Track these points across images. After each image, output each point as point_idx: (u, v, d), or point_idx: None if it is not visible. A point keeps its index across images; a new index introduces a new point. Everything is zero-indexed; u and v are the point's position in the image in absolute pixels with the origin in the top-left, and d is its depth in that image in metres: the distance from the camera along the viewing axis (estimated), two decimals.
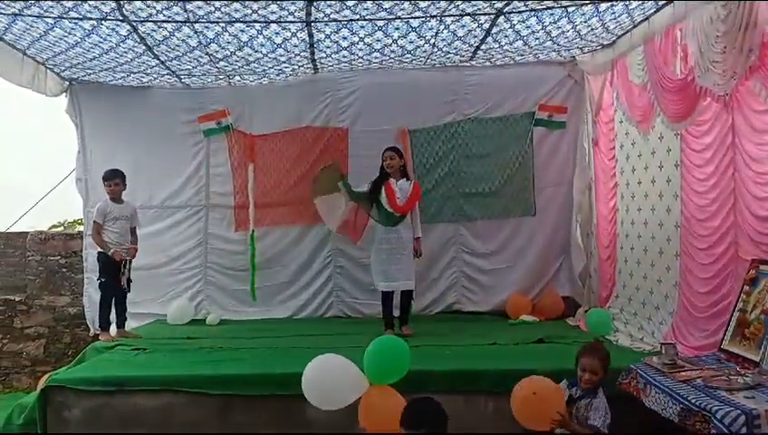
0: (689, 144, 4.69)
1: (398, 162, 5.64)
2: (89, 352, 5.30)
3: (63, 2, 4.28)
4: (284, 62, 5.95)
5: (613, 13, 4.90)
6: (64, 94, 6.55)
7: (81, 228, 7.00)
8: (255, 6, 4.48)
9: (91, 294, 6.45)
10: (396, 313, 5.70)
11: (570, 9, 4.81)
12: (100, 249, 5.62)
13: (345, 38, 5.35)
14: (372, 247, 5.74)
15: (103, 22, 4.70)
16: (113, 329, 5.75)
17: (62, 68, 5.99)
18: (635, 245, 5.60)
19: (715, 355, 3.76)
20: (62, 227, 8.19)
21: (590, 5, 4.73)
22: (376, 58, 5.97)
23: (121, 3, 4.32)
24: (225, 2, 4.36)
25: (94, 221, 5.61)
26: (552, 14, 4.94)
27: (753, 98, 3.81)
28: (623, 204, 5.83)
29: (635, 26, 5.14)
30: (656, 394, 3.37)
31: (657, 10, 4.74)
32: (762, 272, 3.66)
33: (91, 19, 4.64)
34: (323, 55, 5.84)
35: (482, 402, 4.22)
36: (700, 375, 3.34)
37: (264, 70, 6.18)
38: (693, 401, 3.02)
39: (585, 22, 5.11)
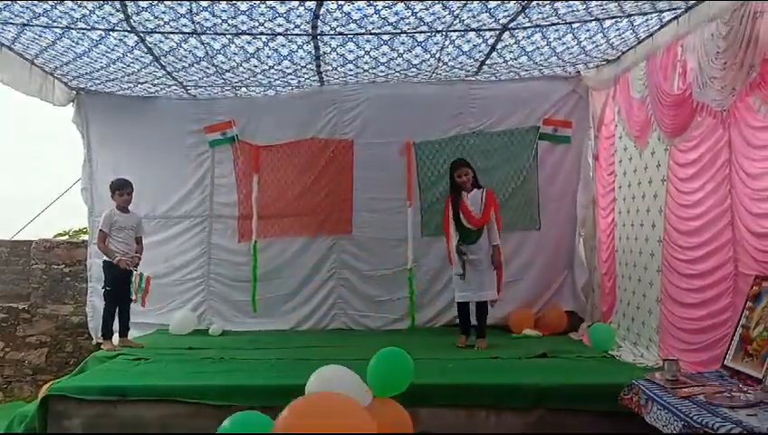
0: (676, 159, 4.72)
1: (472, 174, 5.57)
2: (90, 362, 5.31)
3: (72, 12, 4.33)
4: (290, 74, 5.99)
5: (618, 29, 4.93)
6: (71, 104, 6.60)
7: (86, 237, 7.02)
8: (262, 19, 4.52)
9: (95, 303, 6.47)
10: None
11: (574, 25, 4.83)
12: (105, 258, 5.65)
13: (351, 51, 5.38)
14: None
15: (111, 32, 4.75)
16: (116, 338, 5.76)
17: (70, 78, 6.05)
18: (629, 260, 5.63)
19: (717, 372, 3.73)
20: (66, 236, 8.21)
21: (594, 22, 4.76)
22: (381, 71, 6.00)
23: (129, 14, 4.36)
24: (232, 14, 4.40)
25: (100, 230, 5.64)
26: (556, 30, 4.96)
27: (751, 114, 3.82)
28: (620, 219, 5.86)
29: (639, 42, 5.17)
30: (657, 410, 3.35)
31: (662, 27, 4.77)
32: (765, 289, 3.64)
33: (98, 29, 4.68)
34: (329, 68, 5.87)
35: (483, 417, 4.20)
36: (702, 392, 3.32)
37: (270, 81, 6.22)
38: (694, 417, 3.00)
39: (590, 38, 5.14)
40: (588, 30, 4.96)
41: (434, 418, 4.14)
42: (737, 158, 4.02)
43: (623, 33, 5.00)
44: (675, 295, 4.71)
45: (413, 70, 5.96)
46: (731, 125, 4.05)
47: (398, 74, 6.13)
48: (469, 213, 5.50)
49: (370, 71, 5.97)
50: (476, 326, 5.63)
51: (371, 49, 5.32)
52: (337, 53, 5.42)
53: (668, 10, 4.45)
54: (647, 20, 4.70)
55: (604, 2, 4.28)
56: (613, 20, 4.73)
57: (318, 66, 5.78)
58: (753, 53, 3.63)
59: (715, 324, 4.21)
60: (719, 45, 3.90)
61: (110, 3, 4.19)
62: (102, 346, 5.68)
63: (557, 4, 4.34)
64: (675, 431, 3.12)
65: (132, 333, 6.02)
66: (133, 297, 5.67)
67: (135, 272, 5.64)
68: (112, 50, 5.14)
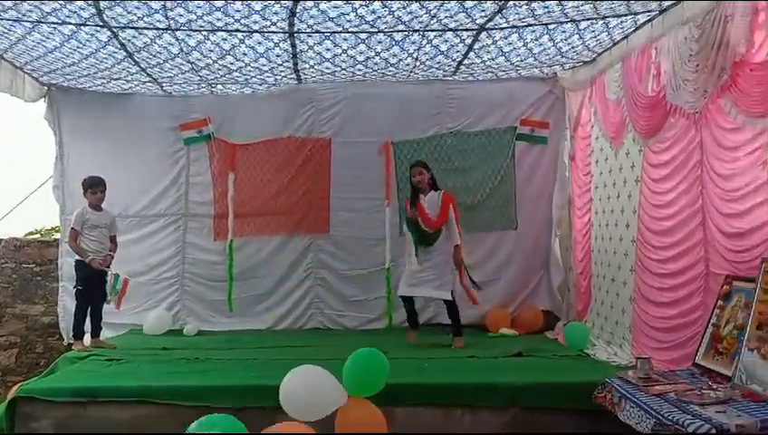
0: (650, 160, 4.78)
1: (428, 175, 5.55)
2: (61, 363, 5.22)
3: (42, 6, 4.24)
4: (267, 72, 5.95)
5: (593, 31, 4.96)
6: (43, 99, 6.48)
7: (58, 236, 6.91)
8: (238, 16, 4.47)
9: (67, 303, 6.37)
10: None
11: (550, 27, 4.86)
12: (77, 257, 5.56)
13: (328, 49, 5.35)
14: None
15: (83, 27, 4.67)
16: (87, 339, 5.67)
17: (41, 73, 5.93)
18: (604, 260, 5.69)
19: (688, 370, 3.78)
20: (38, 235, 8.06)
21: (570, 23, 4.79)
22: (359, 70, 5.99)
23: (101, 8, 4.29)
24: (208, 10, 4.35)
25: (72, 228, 5.55)
26: (533, 31, 4.99)
27: (722, 116, 3.87)
28: (597, 219, 5.91)
29: (614, 44, 5.22)
30: (630, 408, 3.38)
31: (636, 29, 4.82)
32: (735, 288, 3.70)
33: (70, 24, 4.60)
34: (306, 66, 5.84)
35: (459, 415, 4.20)
36: (673, 389, 3.35)
37: (247, 79, 6.17)
38: (666, 415, 3.03)
39: (566, 39, 5.17)
40: (564, 31, 4.99)
41: (410, 417, 4.13)
42: (708, 159, 4.08)
43: (598, 34, 5.04)
44: (647, 294, 4.77)
45: (391, 69, 5.95)
46: (703, 127, 4.10)
47: (375, 73, 6.11)
48: (426, 215, 5.43)
49: (348, 69, 5.95)
50: (452, 326, 5.67)
51: (349, 47, 5.30)
52: (314, 51, 5.39)
53: (642, 12, 4.50)
54: (621, 22, 4.75)
55: (580, 3, 4.31)
56: (589, 22, 4.76)
57: (295, 64, 5.75)
58: (724, 56, 3.69)
59: (687, 323, 4.27)
60: (692, 48, 3.97)
61: None
62: (73, 347, 5.59)
63: (534, 5, 4.36)
64: (647, 429, 3.15)
65: (105, 334, 5.94)
66: (108, 298, 5.58)
67: (110, 272, 5.54)
68: (85, 45, 5.04)
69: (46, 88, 6.42)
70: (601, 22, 4.77)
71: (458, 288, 5.62)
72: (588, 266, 6.09)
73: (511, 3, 4.32)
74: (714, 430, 2.77)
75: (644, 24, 4.69)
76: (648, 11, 4.46)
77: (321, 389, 3.71)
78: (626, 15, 4.59)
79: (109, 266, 5.58)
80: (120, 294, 5.59)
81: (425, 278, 5.49)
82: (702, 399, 3.14)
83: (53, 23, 4.56)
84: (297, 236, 6.70)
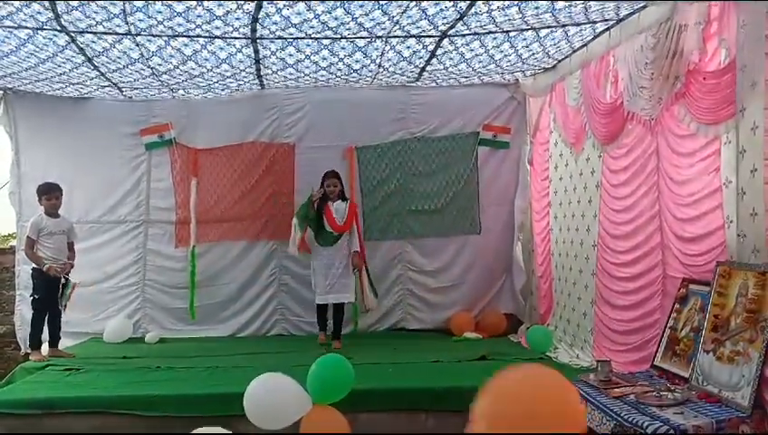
0: (609, 165, 4.89)
1: (339, 187, 5.97)
2: (18, 373, 5.10)
3: None
4: (230, 78, 5.90)
5: (553, 38, 5.05)
6: None
7: (14, 243, 6.73)
8: (199, 21, 4.43)
9: (24, 312, 6.21)
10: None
11: (511, 34, 4.92)
12: (34, 265, 5.43)
13: (291, 55, 5.33)
14: (312, 263, 5.98)
15: (40, 31, 4.56)
16: (45, 348, 5.54)
17: None
18: (565, 264, 5.78)
19: (647, 372, 3.87)
20: None
21: (530, 31, 4.86)
22: (322, 76, 5.98)
23: (59, 12, 4.20)
24: (168, 16, 4.30)
25: (27, 236, 5.44)
26: (494, 39, 5.04)
27: (676, 123, 3.98)
28: (556, 223, 6.00)
29: (574, 52, 5.31)
30: (591, 411, 3.43)
31: (595, 37, 4.92)
32: (691, 291, 3.79)
33: (26, 28, 4.49)
34: (269, 72, 5.81)
35: (423, 419, 4.23)
36: (633, 392, 3.43)
37: (209, 84, 6.10)
38: (625, 417, 3.10)
39: (527, 46, 5.25)
40: (524, 39, 5.06)
41: (374, 422, 4.14)
42: (664, 164, 4.18)
43: (558, 42, 5.12)
44: (607, 298, 4.86)
45: (354, 75, 5.96)
46: (658, 133, 4.21)
47: (339, 79, 6.11)
48: (333, 219, 5.86)
49: (311, 75, 5.94)
50: (333, 330, 5.97)
51: (312, 53, 5.29)
52: (277, 57, 5.36)
53: (601, 21, 4.59)
54: (581, 30, 4.84)
55: (540, 12, 4.38)
56: (549, 29, 4.84)
57: (258, 70, 5.71)
58: (678, 65, 3.80)
59: (646, 326, 4.36)
60: (647, 56, 4.07)
61: (38, 1, 4.02)
62: (31, 357, 5.47)
63: (494, 13, 4.41)
64: (607, 431, 3.22)
65: (65, 342, 5.82)
66: (61, 306, 5.47)
67: (65, 279, 5.44)
68: (41, 49, 4.92)
69: (1, 92, 6.27)
70: (561, 30, 4.85)
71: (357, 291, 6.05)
72: (548, 270, 6.18)
73: (472, 11, 4.36)
74: (672, 431, 2.85)
75: (602, 32, 4.80)
76: (606, 20, 4.56)
77: (286, 396, 3.69)
78: (585, 24, 4.68)
79: (68, 274, 5.47)
80: (67, 299, 5.50)
81: (337, 287, 5.88)
82: (660, 401, 3.22)
83: (9, 27, 4.45)
84: (261, 242, 6.65)
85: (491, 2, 4.21)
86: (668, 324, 3.87)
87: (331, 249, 5.87)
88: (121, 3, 4.08)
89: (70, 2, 4.04)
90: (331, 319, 6.00)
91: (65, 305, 5.52)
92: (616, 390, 3.51)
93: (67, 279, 5.48)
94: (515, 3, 4.21)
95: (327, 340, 5.97)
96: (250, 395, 3.64)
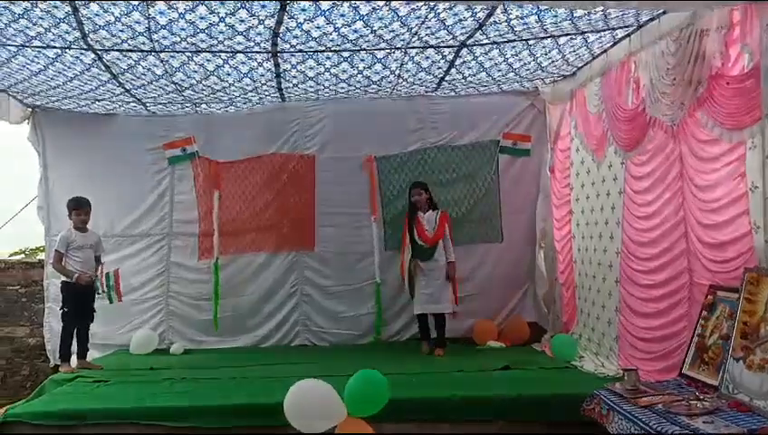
0: (632, 172, 4.85)
1: (425, 196, 6.09)
2: (48, 385, 5.17)
3: (26, 30, 4.24)
4: (251, 91, 5.97)
5: (572, 46, 5.04)
6: (27, 121, 6.47)
7: (43, 256, 6.85)
8: (221, 37, 4.50)
9: (53, 325, 6.32)
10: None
11: (530, 42, 4.93)
12: (63, 278, 5.53)
13: (311, 68, 5.38)
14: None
15: (67, 50, 4.67)
16: (74, 360, 5.63)
17: (25, 95, 5.93)
18: (588, 271, 5.74)
19: (675, 380, 3.81)
20: (22, 255, 8.00)
21: (549, 39, 4.86)
22: (342, 88, 6.03)
23: (86, 32, 4.30)
24: (191, 32, 4.37)
25: (56, 250, 5.53)
26: (513, 47, 5.05)
27: (699, 128, 3.95)
28: (578, 231, 5.96)
29: (594, 58, 5.30)
30: (618, 420, 3.40)
31: (615, 43, 4.91)
32: (719, 298, 3.74)
33: (54, 48, 4.60)
34: (290, 85, 5.87)
35: (447, 429, 4.23)
36: (661, 401, 3.38)
37: (231, 98, 6.19)
38: (654, 426, 3.06)
39: (546, 54, 5.25)
40: (544, 46, 5.06)
41: (398, 432, 4.14)
42: (687, 170, 4.15)
43: (578, 49, 5.12)
44: (632, 305, 4.82)
45: (373, 86, 6.00)
46: (681, 139, 4.18)
47: (358, 90, 6.16)
48: (423, 231, 5.98)
49: (331, 87, 5.99)
50: (436, 336, 6.02)
51: (332, 66, 5.34)
52: (297, 70, 5.42)
53: (620, 27, 4.58)
54: (600, 37, 4.83)
55: (559, 20, 4.39)
56: (568, 37, 4.84)
57: (278, 83, 5.77)
58: (700, 70, 3.78)
59: (672, 333, 4.32)
60: (669, 62, 4.05)
61: (65, 21, 4.12)
62: (60, 369, 5.55)
63: (513, 22, 4.43)
64: None
65: (92, 354, 5.90)
66: (99, 293, 5.63)
67: (98, 275, 5.60)
68: (69, 67, 5.04)
69: (30, 109, 6.41)
70: (580, 37, 4.85)
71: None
72: (570, 278, 6.14)
73: (491, 20, 4.38)
74: None
75: (622, 38, 4.78)
76: (626, 26, 4.55)
77: (328, 403, 3.76)
78: (604, 30, 4.67)
79: (95, 284, 5.57)
80: (116, 287, 5.65)
81: (436, 296, 5.98)
82: (690, 410, 3.17)
83: (38, 46, 4.56)
84: (282, 253, 6.69)
85: (510, 10, 4.22)
86: (696, 332, 3.82)
87: (430, 263, 5.97)
88: (146, 21, 4.16)
89: (96, 21, 4.13)
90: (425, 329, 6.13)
91: (118, 293, 5.71)
92: (644, 399, 3.46)
93: (108, 272, 5.66)
94: (534, 11, 4.22)
95: (430, 350, 6.00)
96: (293, 397, 3.73)
